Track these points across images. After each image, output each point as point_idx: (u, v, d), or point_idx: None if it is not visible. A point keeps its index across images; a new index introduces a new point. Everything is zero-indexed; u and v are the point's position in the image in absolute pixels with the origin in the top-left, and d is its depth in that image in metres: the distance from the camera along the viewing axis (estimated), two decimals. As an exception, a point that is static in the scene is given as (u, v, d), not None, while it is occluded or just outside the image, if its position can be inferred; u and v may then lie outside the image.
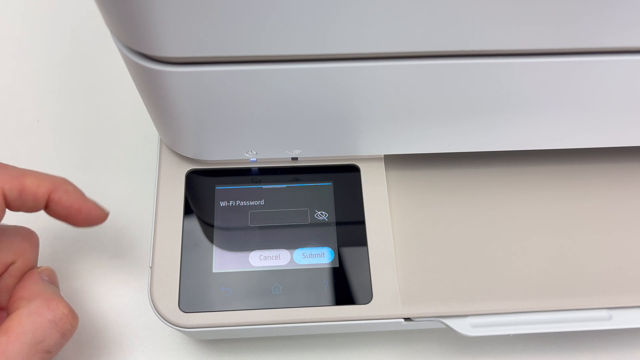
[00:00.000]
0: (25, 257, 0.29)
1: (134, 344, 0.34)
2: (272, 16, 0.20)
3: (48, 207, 0.28)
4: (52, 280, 0.30)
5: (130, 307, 0.35)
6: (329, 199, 0.32)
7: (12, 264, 0.28)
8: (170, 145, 0.32)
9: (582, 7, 0.21)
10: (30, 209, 0.28)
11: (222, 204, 0.32)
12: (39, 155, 0.39)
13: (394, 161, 0.34)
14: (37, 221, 0.32)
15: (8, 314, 0.27)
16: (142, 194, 0.38)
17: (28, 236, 0.30)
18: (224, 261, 0.30)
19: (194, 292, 0.29)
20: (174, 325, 0.29)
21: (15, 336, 0.25)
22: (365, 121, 0.28)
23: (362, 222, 0.32)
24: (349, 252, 0.31)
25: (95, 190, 0.38)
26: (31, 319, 0.26)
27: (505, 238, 0.33)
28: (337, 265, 0.31)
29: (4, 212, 0.27)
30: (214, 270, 0.30)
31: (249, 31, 0.21)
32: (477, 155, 0.35)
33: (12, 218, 0.30)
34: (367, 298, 0.30)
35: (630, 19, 0.21)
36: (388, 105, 0.27)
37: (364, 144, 0.31)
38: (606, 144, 0.32)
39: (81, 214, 0.29)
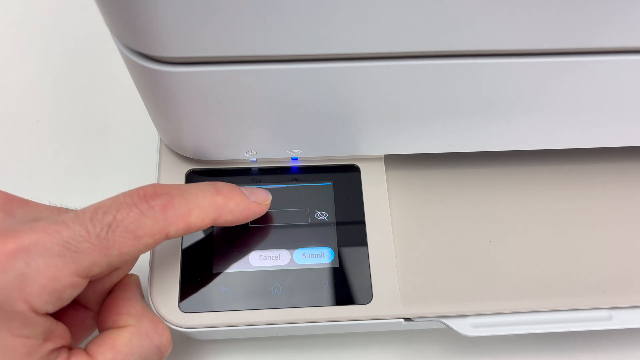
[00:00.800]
0: (128, 265, 0.28)
1: (134, 344, 0.34)
2: (272, 16, 0.20)
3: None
4: (140, 291, 0.29)
5: (130, 307, 0.34)
6: (329, 199, 0.32)
7: (117, 269, 0.27)
8: (170, 145, 0.32)
9: (583, 6, 0.21)
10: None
11: (222, 204, 0.32)
12: (39, 155, 0.39)
13: (394, 161, 0.34)
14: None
15: (104, 326, 0.26)
16: (142, 194, 0.38)
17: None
18: (224, 261, 0.30)
19: (194, 292, 0.29)
20: (174, 325, 0.29)
21: (122, 356, 0.25)
22: (366, 121, 0.28)
23: (362, 222, 0.32)
24: (349, 252, 0.31)
25: (95, 190, 0.38)
26: (140, 341, 0.25)
27: (505, 238, 0.33)
28: (337, 265, 0.31)
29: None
30: (214, 270, 0.30)
31: (249, 31, 0.21)
32: (477, 155, 0.35)
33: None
34: (367, 298, 0.30)
35: (631, 18, 0.21)
36: (388, 106, 0.27)
37: (364, 144, 0.31)
38: (607, 144, 0.32)
39: (246, 221, 0.29)
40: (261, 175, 0.33)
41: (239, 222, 0.28)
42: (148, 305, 0.28)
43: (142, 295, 0.28)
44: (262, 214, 0.30)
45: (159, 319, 0.27)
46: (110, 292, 0.28)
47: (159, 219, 0.24)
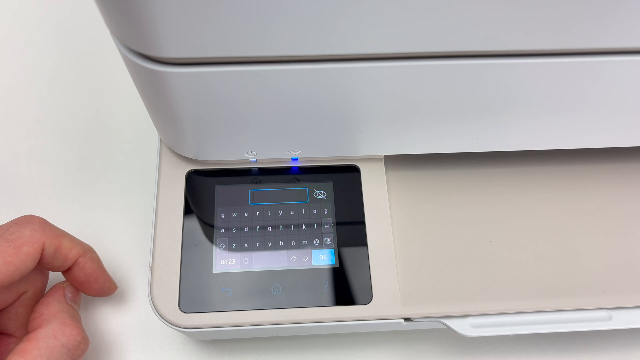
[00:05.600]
0: (36, 287, 0.30)
1: (134, 344, 0.34)
2: (273, 17, 0.20)
3: (70, 270, 0.30)
4: (74, 297, 0.31)
5: (130, 307, 0.35)
6: (329, 199, 0.32)
7: (24, 293, 0.30)
8: (170, 145, 0.32)
9: (583, 7, 0.21)
10: (56, 268, 0.30)
11: (222, 204, 0.32)
12: (38, 155, 0.39)
13: (394, 161, 0.34)
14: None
15: (29, 330, 0.28)
16: (142, 194, 0.38)
17: (40, 266, 0.30)
18: (224, 261, 0.30)
19: (194, 293, 0.29)
20: (174, 325, 0.29)
21: (31, 358, 0.26)
22: (366, 122, 0.28)
23: (362, 222, 0.32)
24: (349, 252, 0.31)
25: (94, 190, 0.38)
26: (47, 341, 0.27)
27: (505, 238, 0.33)
28: (337, 266, 0.31)
29: (36, 263, 0.28)
30: (214, 270, 0.30)
31: (249, 32, 0.21)
32: (477, 156, 0.35)
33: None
34: (367, 298, 0.30)
35: (632, 19, 0.21)
36: (388, 106, 0.27)
37: (364, 145, 0.31)
38: (607, 144, 0.32)
39: (97, 283, 0.31)
40: (261, 176, 0.33)
41: (92, 276, 0.31)
42: (68, 310, 0.29)
43: (71, 299, 0.30)
44: (109, 293, 0.32)
45: (70, 321, 0.28)
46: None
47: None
